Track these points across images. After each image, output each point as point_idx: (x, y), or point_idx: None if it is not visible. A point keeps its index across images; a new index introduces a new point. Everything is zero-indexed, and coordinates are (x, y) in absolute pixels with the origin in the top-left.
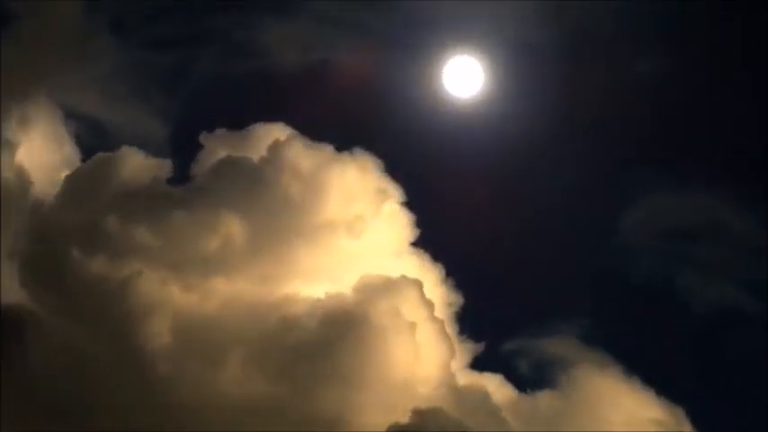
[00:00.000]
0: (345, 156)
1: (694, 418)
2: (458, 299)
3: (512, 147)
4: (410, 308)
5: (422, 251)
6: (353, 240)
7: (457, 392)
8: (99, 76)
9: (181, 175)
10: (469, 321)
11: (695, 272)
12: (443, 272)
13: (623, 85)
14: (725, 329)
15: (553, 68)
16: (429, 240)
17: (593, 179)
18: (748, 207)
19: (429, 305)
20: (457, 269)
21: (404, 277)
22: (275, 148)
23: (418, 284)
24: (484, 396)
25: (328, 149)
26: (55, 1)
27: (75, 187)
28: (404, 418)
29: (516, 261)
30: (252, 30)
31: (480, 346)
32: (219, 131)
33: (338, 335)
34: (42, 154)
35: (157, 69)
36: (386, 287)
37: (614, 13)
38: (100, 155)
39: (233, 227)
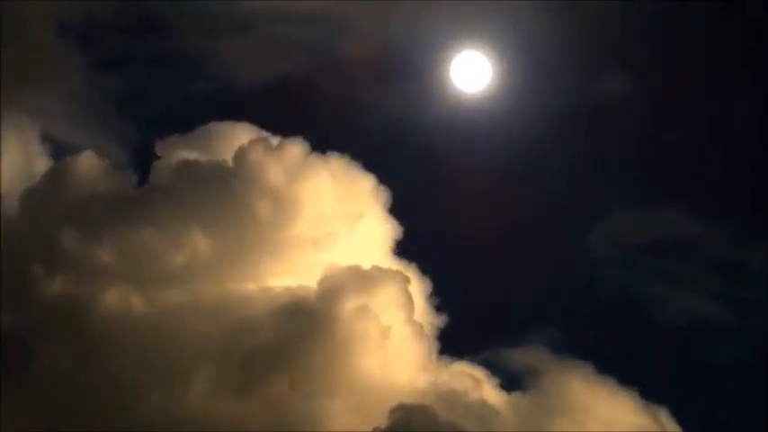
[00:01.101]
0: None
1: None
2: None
3: (509, 146)
4: (384, 305)
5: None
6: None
7: (436, 389)
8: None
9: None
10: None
11: (663, 285)
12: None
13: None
14: (693, 340)
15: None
16: (410, 247)
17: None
18: (713, 221)
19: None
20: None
21: (378, 271)
22: (242, 151)
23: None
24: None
25: (301, 151)
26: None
27: (35, 200)
28: (382, 421)
29: (488, 272)
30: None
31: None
32: (174, 138)
33: (302, 336)
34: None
35: (114, 92)
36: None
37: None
38: (57, 164)
39: (196, 236)
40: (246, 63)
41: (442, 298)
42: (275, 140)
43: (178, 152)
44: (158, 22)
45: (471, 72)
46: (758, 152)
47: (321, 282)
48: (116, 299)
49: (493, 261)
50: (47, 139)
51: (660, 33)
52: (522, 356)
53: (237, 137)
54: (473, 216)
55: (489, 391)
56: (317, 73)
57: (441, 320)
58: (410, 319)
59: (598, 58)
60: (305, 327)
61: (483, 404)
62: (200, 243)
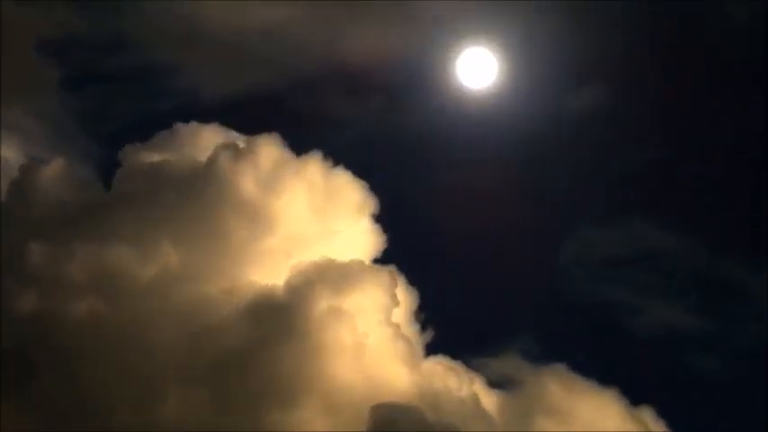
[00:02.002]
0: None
1: None
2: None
3: (509, 146)
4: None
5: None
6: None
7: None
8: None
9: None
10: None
11: (637, 296)
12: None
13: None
14: (666, 349)
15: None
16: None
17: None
18: (681, 234)
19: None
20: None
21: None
22: (210, 152)
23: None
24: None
25: (275, 152)
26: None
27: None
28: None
29: (466, 284)
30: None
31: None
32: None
33: (273, 339)
34: None
35: (80, 109)
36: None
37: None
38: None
39: (162, 241)
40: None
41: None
42: (244, 141)
43: (141, 158)
44: (129, 39)
45: (477, 69)
46: (728, 167)
47: (291, 280)
48: (85, 310)
49: (471, 271)
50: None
51: (639, 47)
52: (498, 366)
53: (203, 139)
54: (456, 226)
55: (474, 390)
56: (286, 87)
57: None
58: (388, 320)
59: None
60: (276, 329)
61: (468, 402)
62: (167, 250)
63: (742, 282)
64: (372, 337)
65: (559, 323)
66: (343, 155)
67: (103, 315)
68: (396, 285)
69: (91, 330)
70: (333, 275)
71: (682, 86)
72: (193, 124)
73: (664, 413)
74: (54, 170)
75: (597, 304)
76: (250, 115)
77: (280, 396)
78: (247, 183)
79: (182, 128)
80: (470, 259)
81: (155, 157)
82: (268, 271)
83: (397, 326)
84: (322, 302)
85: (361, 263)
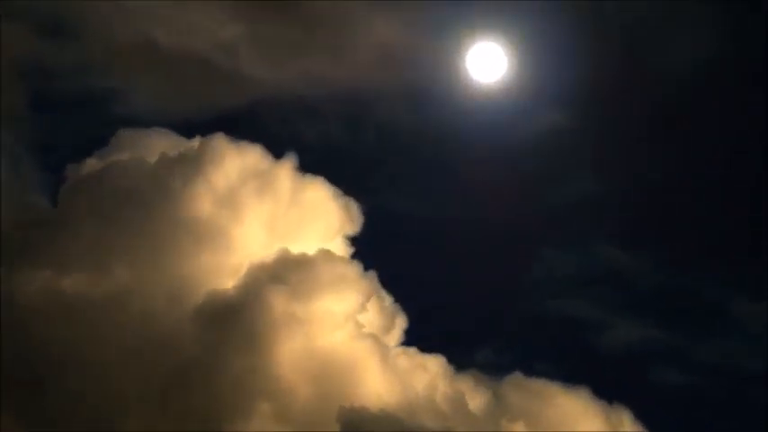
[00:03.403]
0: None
1: None
2: None
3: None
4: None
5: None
6: None
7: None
8: None
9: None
10: None
11: (602, 312)
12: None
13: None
14: (632, 364)
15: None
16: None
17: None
18: (642, 253)
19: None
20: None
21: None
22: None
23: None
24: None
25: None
26: None
27: None
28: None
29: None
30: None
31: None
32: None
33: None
34: None
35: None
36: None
37: None
38: None
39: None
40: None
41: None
42: (192, 147)
43: (85, 171)
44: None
45: (487, 63)
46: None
47: (246, 281)
48: (37, 330)
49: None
50: None
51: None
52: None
53: (149, 147)
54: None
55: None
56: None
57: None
58: (356, 320)
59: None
60: (232, 335)
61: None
62: (117, 263)
63: (699, 296)
64: (338, 338)
65: (527, 336)
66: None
67: (55, 335)
68: (363, 282)
69: (44, 351)
70: (293, 273)
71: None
72: (140, 131)
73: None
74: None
75: (563, 319)
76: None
77: (239, 405)
78: (199, 190)
79: (127, 136)
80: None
81: (99, 169)
82: (221, 276)
83: (365, 326)
84: (279, 304)
85: (326, 256)
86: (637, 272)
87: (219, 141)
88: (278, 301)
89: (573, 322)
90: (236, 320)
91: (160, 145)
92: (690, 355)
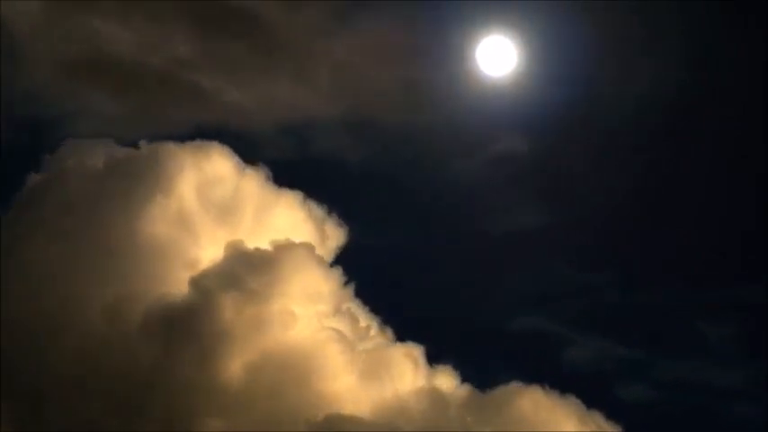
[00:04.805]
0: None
1: None
2: None
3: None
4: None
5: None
6: None
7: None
8: None
9: None
10: None
11: (565, 327)
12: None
13: None
14: (598, 379)
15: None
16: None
17: None
18: (599, 270)
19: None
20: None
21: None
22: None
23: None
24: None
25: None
26: None
27: None
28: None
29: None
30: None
31: None
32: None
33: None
34: None
35: None
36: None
37: None
38: None
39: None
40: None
41: None
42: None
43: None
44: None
45: (497, 57)
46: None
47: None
48: None
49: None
50: None
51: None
52: None
53: (93, 154)
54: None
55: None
56: None
57: None
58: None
59: None
60: (177, 339)
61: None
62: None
63: (662, 313)
64: (308, 339)
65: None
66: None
67: None
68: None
69: None
70: (248, 273)
71: None
72: (86, 141)
73: None
74: None
75: (525, 335)
76: None
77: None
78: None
79: (73, 146)
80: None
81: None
82: (172, 278)
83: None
84: (230, 309)
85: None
86: (598, 290)
87: (166, 148)
88: (229, 306)
89: (535, 338)
90: (183, 331)
91: (106, 153)
92: (654, 371)
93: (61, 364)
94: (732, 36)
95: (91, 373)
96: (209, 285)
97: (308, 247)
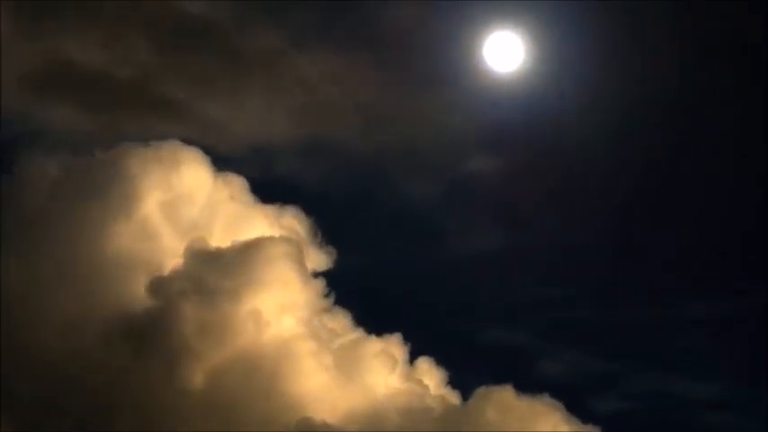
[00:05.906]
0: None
1: None
2: None
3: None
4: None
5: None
6: None
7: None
8: None
9: None
10: None
11: (539, 338)
12: None
13: None
14: (572, 391)
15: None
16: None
17: None
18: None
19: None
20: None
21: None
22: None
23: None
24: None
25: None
26: None
27: None
28: None
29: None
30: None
31: None
32: None
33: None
34: None
35: None
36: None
37: None
38: None
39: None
40: None
41: None
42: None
43: None
44: None
45: (504, 53)
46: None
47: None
48: None
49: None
50: None
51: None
52: None
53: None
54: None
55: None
56: None
57: None
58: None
59: None
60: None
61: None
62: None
63: (636, 326)
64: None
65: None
66: None
67: None
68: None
69: None
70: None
71: None
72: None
73: None
74: None
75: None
76: None
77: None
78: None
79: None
80: None
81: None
82: (133, 284)
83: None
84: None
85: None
86: (570, 305)
87: (125, 150)
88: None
89: (507, 350)
90: (145, 341)
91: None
92: (628, 383)
93: (21, 381)
94: (732, 36)
95: (50, 388)
96: (170, 290)
97: (276, 244)
